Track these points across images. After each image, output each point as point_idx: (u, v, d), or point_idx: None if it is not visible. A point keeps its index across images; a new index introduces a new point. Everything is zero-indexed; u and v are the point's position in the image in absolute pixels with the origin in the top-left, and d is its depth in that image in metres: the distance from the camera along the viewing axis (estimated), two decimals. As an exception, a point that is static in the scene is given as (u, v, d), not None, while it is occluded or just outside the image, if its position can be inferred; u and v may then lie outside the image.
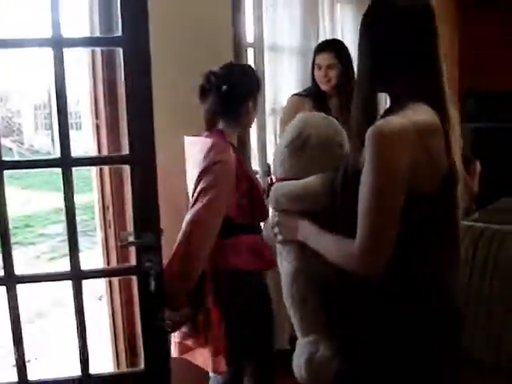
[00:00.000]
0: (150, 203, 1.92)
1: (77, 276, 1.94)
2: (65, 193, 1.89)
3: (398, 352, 1.45)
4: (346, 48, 3.10)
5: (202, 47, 2.78)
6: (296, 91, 3.22)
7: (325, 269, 1.55)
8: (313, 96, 3.06)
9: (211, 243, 2.01)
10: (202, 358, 2.12)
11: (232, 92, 2.09)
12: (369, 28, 1.47)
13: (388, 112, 1.45)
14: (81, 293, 1.94)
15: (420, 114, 1.38)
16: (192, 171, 2.15)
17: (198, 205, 2.00)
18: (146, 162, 1.90)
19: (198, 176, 2.04)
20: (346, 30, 3.80)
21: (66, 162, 1.88)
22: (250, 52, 3.12)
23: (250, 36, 3.09)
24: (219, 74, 2.14)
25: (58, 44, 1.81)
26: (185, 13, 2.71)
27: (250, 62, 3.10)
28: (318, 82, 3.05)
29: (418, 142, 1.34)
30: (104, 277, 2.36)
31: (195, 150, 2.15)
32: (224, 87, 2.09)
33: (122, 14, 1.81)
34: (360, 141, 1.39)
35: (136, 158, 1.90)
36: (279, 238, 1.71)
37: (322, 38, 3.47)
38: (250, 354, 2.23)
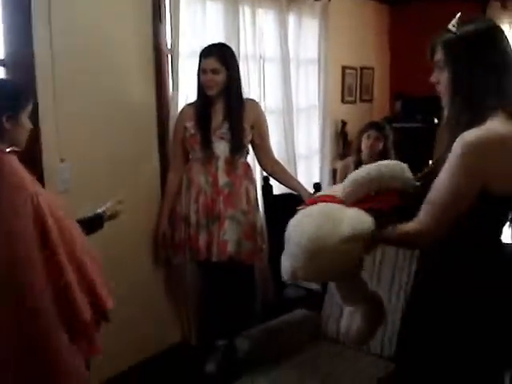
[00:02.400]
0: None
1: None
2: None
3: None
4: (232, 52, 3.16)
5: (126, 55, 3.15)
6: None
7: None
8: (197, 102, 3.15)
9: None
10: None
11: None
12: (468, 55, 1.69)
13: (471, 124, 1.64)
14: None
15: (501, 124, 1.63)
16: None
17: None
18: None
19: None
20: (268, 35, 4.06)
21: None
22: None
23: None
24: None
25: None
26: (108, 24, 3.03)
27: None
28: (203, 86, 3.08)
29: (500, 149, 1.59)
30: None
31: None
32: None
33: (4, 38, 2.13)
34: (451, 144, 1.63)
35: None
36: None
37: (242, 44, 3.75)
38: None
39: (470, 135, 1.59)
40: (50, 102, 2.72)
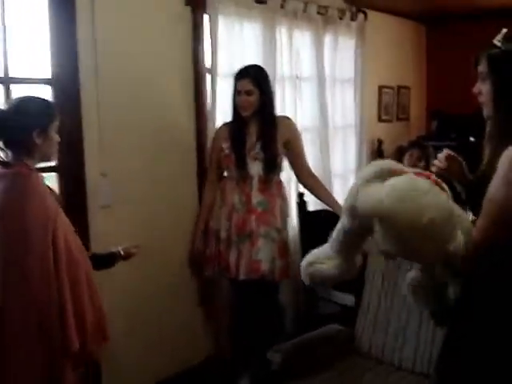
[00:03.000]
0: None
1: None
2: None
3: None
4: (265, 73, 3.24)
5: (166, 74, 3.29)
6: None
7: None
8: (232, 122, 3.25)
9: None
10: None
11: (7, 123, 2.05)
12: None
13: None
14: None
15: None
16: None
17: None
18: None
19: None
20: (304, 55, 4.14)
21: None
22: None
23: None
24: None
25: (6, 81, 2.39)
26: (149, 44, 3.17)
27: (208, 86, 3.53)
28: (238, 107, 3.18)
29: None
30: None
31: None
32: None
33: (51, 59, 2.28)
34: (499, 154, 1.66)
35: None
36: None
37: (279, 64, 3.85)
38: None
39: None
40: (93, 118, 2.86)
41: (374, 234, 1.63)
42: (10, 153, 2.07)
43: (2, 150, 2.07)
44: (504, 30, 1.83)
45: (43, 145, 2.07)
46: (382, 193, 1.56)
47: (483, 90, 1.82)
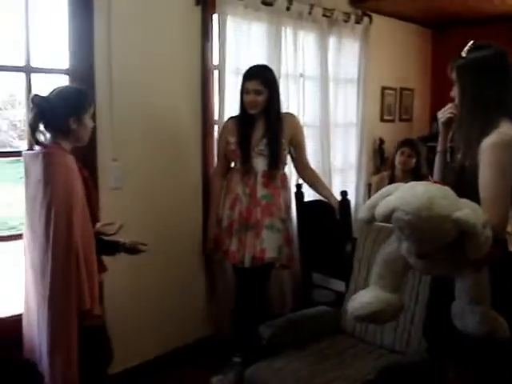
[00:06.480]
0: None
1: None
2: None
3: None
4: (273, 74, 3.41)
5: (176, 69, 3.53)
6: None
7: None
8: (239, 118, 3.41)
9: None
10: None
11: (48, 110, 2.28)
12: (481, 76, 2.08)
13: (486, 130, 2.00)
14: None
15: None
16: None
17: None
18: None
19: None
20: (308, 55, 4.34)
21: None
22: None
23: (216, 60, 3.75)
24: (40, 96, 2.32)
25: (28, 71, 2.64)
26: (160, 40, 3.42)
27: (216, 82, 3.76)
28: (246, 106, 3.33)
29: None
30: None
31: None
32: (40, 106, 2.28)
33: (69, 51, 2.54)
34: (476, 148, 1.98)
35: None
36: None
37: (283, 63, 4.07)
38: None
39: (491, 139, 1.95)
40: (106, 108, 3.11)
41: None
42: (48, 135, 2.34)
43: (41, 132, 2.32)
44: (470, 43, 2.15)
45: (78, 130, 2.35)
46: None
47: (456, 94, 2.16)
